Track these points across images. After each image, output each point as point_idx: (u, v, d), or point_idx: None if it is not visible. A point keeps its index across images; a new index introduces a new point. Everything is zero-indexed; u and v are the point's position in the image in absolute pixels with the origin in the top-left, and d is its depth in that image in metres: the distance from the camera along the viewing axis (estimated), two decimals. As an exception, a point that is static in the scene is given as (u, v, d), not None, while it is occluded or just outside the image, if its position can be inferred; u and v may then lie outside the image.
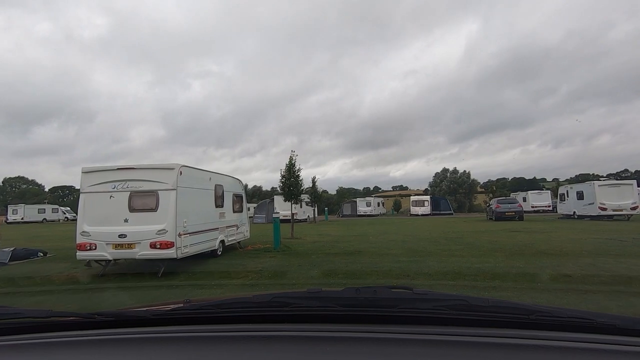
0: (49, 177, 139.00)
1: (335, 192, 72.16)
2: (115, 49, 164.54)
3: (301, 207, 31.52)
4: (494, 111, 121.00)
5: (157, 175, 8.18)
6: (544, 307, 1.04)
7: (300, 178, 16.22)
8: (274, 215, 12.70)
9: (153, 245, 7.74)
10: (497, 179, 69.25)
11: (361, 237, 15.74)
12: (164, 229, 7.82)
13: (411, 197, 45.57)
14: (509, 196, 35.64)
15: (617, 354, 0.88)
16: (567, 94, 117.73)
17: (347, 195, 68.96)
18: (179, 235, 8.00)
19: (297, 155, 16.14)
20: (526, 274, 7.27)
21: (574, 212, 24.53)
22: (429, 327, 0.99)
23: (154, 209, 7.99)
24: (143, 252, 7.76)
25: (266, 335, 1.01)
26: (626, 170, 75.55)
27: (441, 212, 42.47)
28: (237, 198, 12.22)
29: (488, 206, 28.08)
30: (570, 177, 72.84)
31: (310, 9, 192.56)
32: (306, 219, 31.63)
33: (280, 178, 16.29)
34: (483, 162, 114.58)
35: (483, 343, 0.92)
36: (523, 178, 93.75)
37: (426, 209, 42.02)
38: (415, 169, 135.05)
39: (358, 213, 45.12)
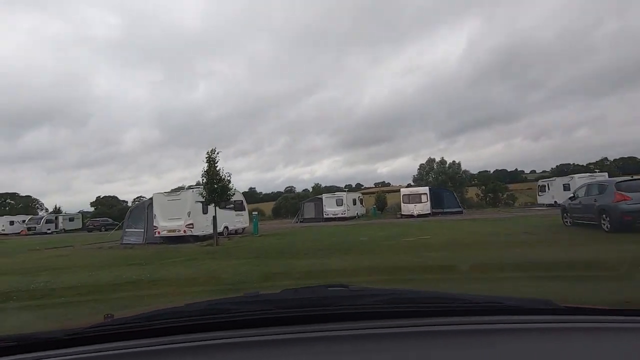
0: (30, 184, 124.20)
1: (311, 189, 57.96)
2: (121, 49, 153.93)
3: (204, 212, 16.84)
4: (483, 107, 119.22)
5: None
6: (465, 296, 1.12)
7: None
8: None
9: None
10: (479, 172, 59.92)
11: None
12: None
13: (401, 190, 31.72)
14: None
15: (519, 331, 0.96)
16: (551, 89, 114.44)
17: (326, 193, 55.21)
18: None
19: None
20: None
21: None
22: (365, 322, 1.00)
23: None
24: None
25: (202, 344, 0.95)
26: (605, 159, 70.86)
27: (445, 211, 28.92)
28: None
29: (573, 198, 14.01)
30: (552, 168, 69.33)
31: (322, 11, 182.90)
32: (208, 235, 16.48)
33: None
34: (466, 157, 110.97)
35: (414, 332, 0.95)
36: (505, 170, 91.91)
37: (424, 207, 28.29)
38: (401, 166, 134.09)
39: (325, 215, 30.97)
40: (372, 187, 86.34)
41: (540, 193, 31.70)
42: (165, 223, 16.18)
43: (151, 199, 17.23)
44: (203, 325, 1.00)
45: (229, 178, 14.57)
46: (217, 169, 14.37)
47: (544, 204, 30.28)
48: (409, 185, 47.71)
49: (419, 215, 27.47)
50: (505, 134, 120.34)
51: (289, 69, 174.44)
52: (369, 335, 0.94)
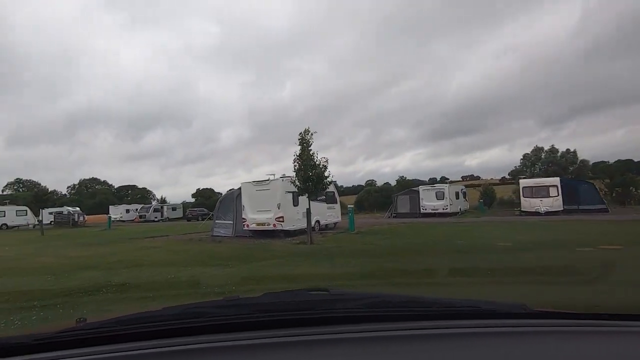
0: (148, 178, 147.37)
1: (395, 183, 54.02)
2: (217, 54, 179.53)
3: (294, 204, 14.85)
4: (599, 87, 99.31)
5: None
6: (442, 300, 1.13)
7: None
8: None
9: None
10: (593, 163, 47.84)
11: None
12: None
13: (521, 181, 26.21)
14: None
15: (493, 335, 0.97)
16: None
17: (410, 187, 50.58)
18: None
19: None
20: None
21: None
22: (344, 326, 0.99)
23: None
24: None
25: (177, 349, 0.91)
26: None
27: (581, 208, 22.89)
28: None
29: None
30: None
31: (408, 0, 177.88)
32: (298, 230, 14.13)
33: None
34: (575, 146, 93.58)
35: (391, 336, 0.95)
36: (631, 160, 71.99)
37: (554, 202, 22.72)
38: (493, 157, 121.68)
39: (422, 210, 27.33)
40: (460, 181, 79.15)
41: None
42: (254, 215, 14.70)
43: (240, 188, 16.00)
44: (179, 330, 0.97)
45: (325, 164, 12.15)
46: (311, 152, 12.10)
47: None
48: (502, 179, 40.83)
49: (547, 213, 22.16)
50: (629, 117, 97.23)
51: (371, 62, 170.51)
52: (347, 339, 0.94)
